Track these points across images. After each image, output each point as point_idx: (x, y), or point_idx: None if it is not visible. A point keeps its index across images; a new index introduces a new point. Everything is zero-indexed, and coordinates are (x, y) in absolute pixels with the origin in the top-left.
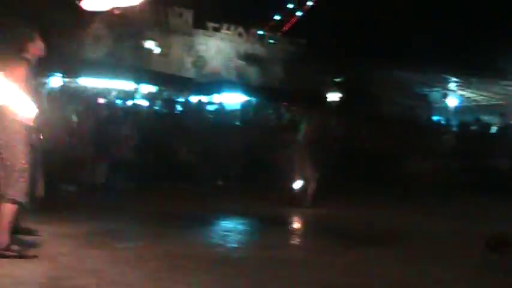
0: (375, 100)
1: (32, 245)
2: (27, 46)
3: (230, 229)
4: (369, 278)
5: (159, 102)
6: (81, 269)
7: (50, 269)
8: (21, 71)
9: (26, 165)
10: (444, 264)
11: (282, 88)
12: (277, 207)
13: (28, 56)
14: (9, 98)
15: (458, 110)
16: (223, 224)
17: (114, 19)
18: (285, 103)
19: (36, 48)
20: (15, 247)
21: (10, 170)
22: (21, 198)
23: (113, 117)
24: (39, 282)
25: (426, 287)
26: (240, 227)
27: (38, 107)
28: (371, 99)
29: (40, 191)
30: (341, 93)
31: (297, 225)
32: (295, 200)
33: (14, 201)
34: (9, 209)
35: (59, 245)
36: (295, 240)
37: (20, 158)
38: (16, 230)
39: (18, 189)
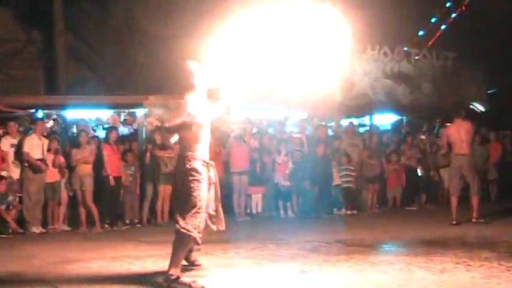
0: None
1: (201, 277)
2: (193, 81)
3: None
4: None
5: (309, 128)
6: None
7: None
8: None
9: (199, 200)
10: None
11: (433, 104)
12: (436, 226)
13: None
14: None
15: None
16: (387, 248)
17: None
18: (438, 119)
19: (201, 82)
20: (185, 279)
21: (185, 204)
22: (194, 232)
23: (266, 146)
24: None
25: None
26: (404, 250)
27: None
28: None
29: (221, 224)
30: (495, 105)
31: (462, 244)
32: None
33: (186, 235)
34: (181, 242)
35: (223, 276)
36: (465, 262)
37: (195, 193)
38: (185, 262)
39: (191, 223)
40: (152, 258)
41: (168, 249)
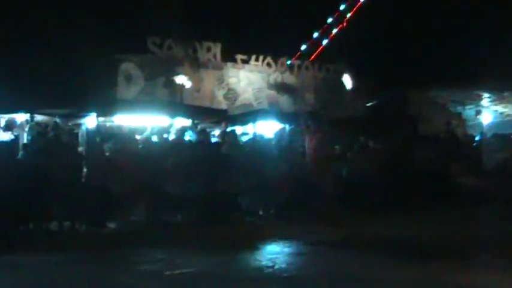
0: (410, 120)
1: None
2: None
3: (278, 252)
4: None
5: (193, 134)
6: None
7: None
8: None
9: None
10: None
11: (316, 114)
12: (322, 229)
13: None
14: None
15: (493, 125)
16: (270, 249)
17: (145, 58)
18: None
19: None
20: None
21: None
22: None
23: (152, 152)
24: None
25: None
26: (287, 250)
27: None
28: (407, 119)
29: None
30: (376, 114)
31: (341, 243)
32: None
33: None
34: None
35: None
36: (342, 257)
37: None
38: None
39: None
40: None
41: None
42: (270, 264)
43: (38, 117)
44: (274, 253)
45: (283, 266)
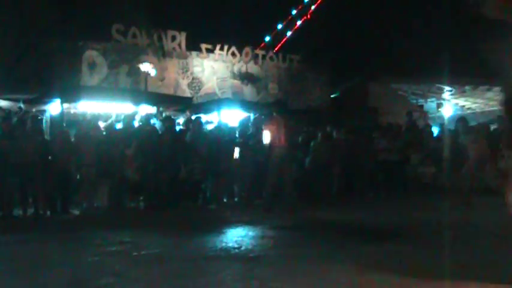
0: (371, 111)
1: None
2: None
3: (243, 235)
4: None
5: (158, 122)
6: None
7: None
8: None
9: None
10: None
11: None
12: (285, 214)
13: None
14: None
15: (453, 118)
16: (235, 232)
17: (109, 46)
18: None
19: None
20: None
21: None
22: None
23: (115, 139)
24: None
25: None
26: (252, 233)
27: None
28: (368, 110)
29: None
30: (337, 106)
31: (303, 227)
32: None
33: None
34: None
35: None
36: (305, 240)
37: None
38: None
39: None
40: None
41: None
42: (237, 245)
43: (2, 102)
44: (240, 236)
45: (249, 247)
